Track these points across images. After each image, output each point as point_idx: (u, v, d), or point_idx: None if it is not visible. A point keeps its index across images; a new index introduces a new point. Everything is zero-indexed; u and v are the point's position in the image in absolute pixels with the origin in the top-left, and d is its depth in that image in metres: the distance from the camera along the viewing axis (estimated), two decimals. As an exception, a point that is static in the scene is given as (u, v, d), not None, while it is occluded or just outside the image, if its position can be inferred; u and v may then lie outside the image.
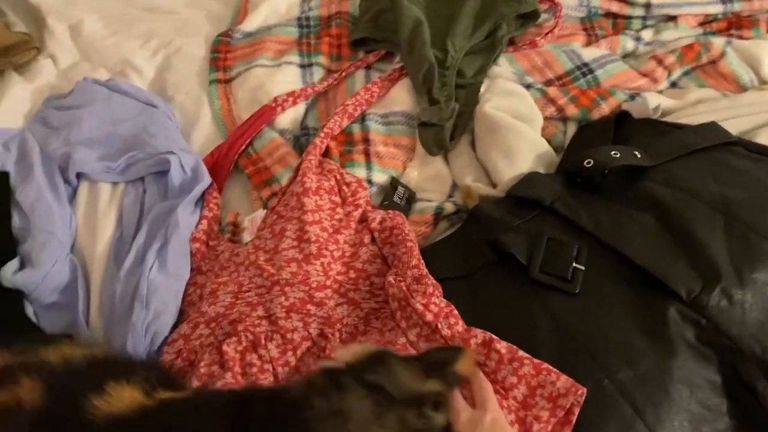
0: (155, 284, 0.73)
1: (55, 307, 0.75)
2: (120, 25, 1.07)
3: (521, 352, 0.61)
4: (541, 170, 0.82)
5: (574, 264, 0.69)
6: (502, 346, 0.62)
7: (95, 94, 0.92)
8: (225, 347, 0.67)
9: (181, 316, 0.74)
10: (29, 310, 0.74)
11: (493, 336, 0.63)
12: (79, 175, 0.85)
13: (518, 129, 0.83)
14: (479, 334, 0.64)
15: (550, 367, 0.61)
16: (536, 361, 0.61)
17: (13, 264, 0.75)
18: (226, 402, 0.53)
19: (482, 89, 0.91)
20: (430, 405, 0.49)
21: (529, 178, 0.79)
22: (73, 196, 0.85)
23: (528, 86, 0.90)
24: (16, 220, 0.80)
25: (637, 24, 1.02)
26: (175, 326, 0.72)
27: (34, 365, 0.55)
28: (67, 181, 0.85)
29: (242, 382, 0.65)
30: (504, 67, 0.93)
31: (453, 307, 0.66)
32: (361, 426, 0.46)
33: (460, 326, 0.65)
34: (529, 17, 0.98)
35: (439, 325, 0.65)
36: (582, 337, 0.65)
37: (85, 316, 0.75)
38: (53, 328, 0.74)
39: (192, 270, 0.76)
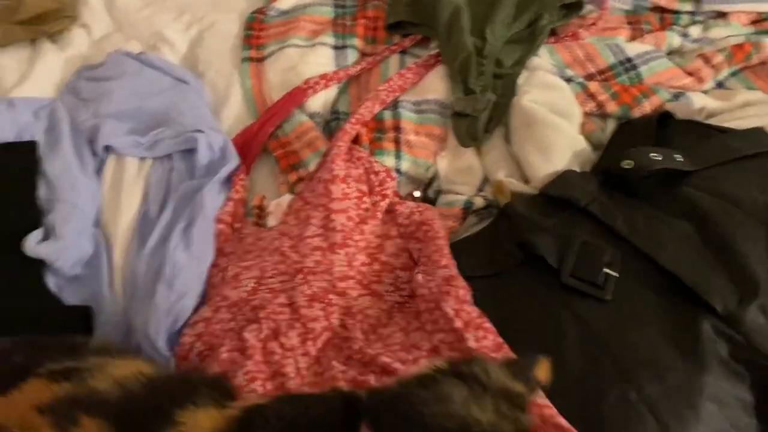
0: (179, 265, 0.72)
1: (77, 280, 0.75)
2: (155, -4, 1.06)
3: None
4: (577, 168, 0.79)
5: (606, 270, 0.67)
6: None
7: (126, 66, 0.91)
8: (246, 334, 0.66)
9: (203, 298, 0.73)
10: (50, 282, 0.74)
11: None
12: (107, 148, 0.85)
13: (555, 124, 0.80)
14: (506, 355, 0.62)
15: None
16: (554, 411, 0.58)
17: (36, 234, 0.75)
18: (331, 403, 0.50)
19: (520, 80, 0.88)
20: (518, 404, 0.49)
21: (564, 177, 0.77)
22: (100, 169, 0.84)
23: (568, 80, 0.87)
24: (42, 191, 0.80)
25: (685, 20, 0.98)
26: (196, 308, 0.72)
27: (88, 399, 0.49)
28: (94, 154, 0.84)
29: (267, 370, 0.64)
30: (544, 59, 0.90)
31: (486, 318, 0.64)
32: (461, 406, 0.46)
33: (490, 341, 0.63)
34: (573, 8, 0.95)
35: (467, 336, 0.63)
36: (610, 347, 0.63)
37: (107, 292, 0.75)
38: (73, 301, 0.74)
39: (214, 251, 0.75)
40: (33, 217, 0.78)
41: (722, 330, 0.63)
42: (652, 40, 0.94)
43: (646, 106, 0.84)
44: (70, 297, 0.74)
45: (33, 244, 0.73)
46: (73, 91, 0.91)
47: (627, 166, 0.73)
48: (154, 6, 1.04)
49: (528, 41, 0.91)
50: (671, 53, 0.94)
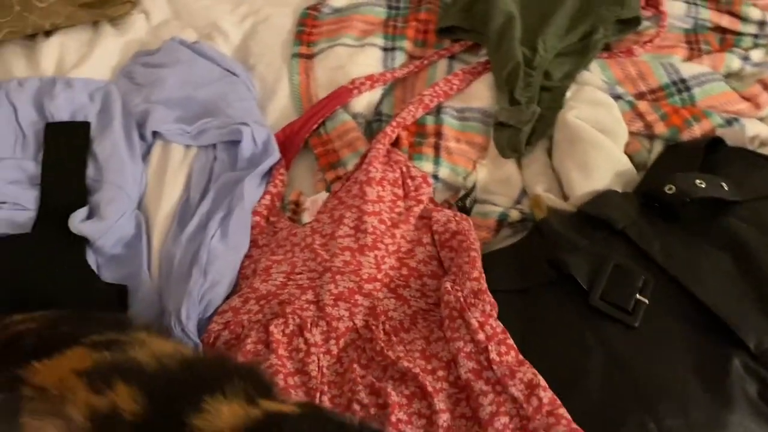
0: (215, 253, 0.74)
1: (117, 259, 0.78)
2: (214, -13, 1.08)
3: (562, 410, 0.59)
4: (618, 189, 0.78)
5: (637, 296, 0.66)
6: (546, 395, 0.60)
7: (180, 55, 0.93)
8: (272, 328, 0.68)
9: (233, 288, 0.75)
10: (91, 259, 0.77)
11: (541, 381, 0.61)
12: (155, 134, 0.87)
13: (599, 142, 0.79)
14: (527, 372, 0.61)
15: None
16: (574, 425, 0.58)
17: (81, 212, 0.77)
18: None
19: (568, 94, 0.87)
20: None
21: (604, 197, 0.75)
22: (146, 154, 0.87)
23: (617, 97, 0.85)
24: (90, 171, 0.83)
25: (747, 42, 0.95)
26: (227, 298, 0.73)
27: (127, 367, 0.50)
28: (142, 138, 0.87)
29: (288, 365, 0.66)
30: (595, 74, 0.89)
31: (508, 334, 0.64)
32: None
33: (512, 356, 0.63)
34: (630, 23, 0.93)
35: (490, 348, 0.63)
36: (634, 374, 0.62)
37: (144, 273, 0.77)
38: (111, 279, 0.76)
39: (249, 243, 0.77)
40: (80, 195, 0.81)
41: (753, 368, 0.61)
42: (709, 61, 0.91)
43: (696, 130, 0.81)
44: (108, 275, 0.77)
45: (77, 222, 0.76)
46: (128, 75, 0.94)
47: (669, 191, 0.72)
48: (213, -3, 1.07)
49: (580, 55, 0.90)
50: (729, 76, 0.91)
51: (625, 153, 0.82)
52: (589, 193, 0.76)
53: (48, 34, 0.99)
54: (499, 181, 0.83)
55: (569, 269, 0.68)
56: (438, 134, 0.84)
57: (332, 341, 0.68)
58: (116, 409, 0.45)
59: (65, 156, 0.83)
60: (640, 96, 0.87)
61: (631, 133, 0.83)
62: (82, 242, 0.77)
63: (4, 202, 0.79)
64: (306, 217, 0.79)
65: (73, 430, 0.44)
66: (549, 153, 0.84)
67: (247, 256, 0.76)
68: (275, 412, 0.47)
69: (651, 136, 0.83)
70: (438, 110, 0.87)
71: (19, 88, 0.88)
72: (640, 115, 0.83)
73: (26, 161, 0.83)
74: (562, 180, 0.80)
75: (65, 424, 0.45)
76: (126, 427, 0.44)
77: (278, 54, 0.97)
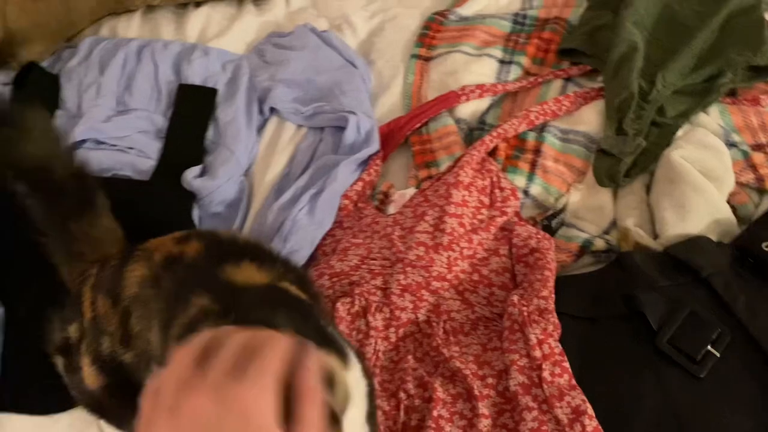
0: (299, 225, 0.79)
1: (218, 217, 0.85)
2: (352, -18, 1.14)
3: None
4: (714, 237, 0.74)
5: (708, 347, 0.64)
6: (591, 424, 0.59)
7: (308, 41, 0.99)
8: (338, 305, 0.71)
9: (311, 261, 0.79)
10: (195, 212, 0.84)
11: (589, 409, 0.60)
12: (272, 110, 0.94)
13: (701, 186, 0.76)
14: (577, 398, 0.61)
15: None
16: None
17: (195, 169, 0.85)
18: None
19: (679, 133, 0.84)
20: None
21: (695, 242, 0.73)
22: (262, 126, 0.93)
23: (732, 145, 0.82)
24: (210, 133, 0.90)
25: None
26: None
27: (205, 232, 0.71)
28: (261, 112, 0.94)
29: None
30: (712, 118, 0.85)
31: (565, 358, 0.64)
32: None
33: (564, 379, 0.63)
34: (761, 71, 0.88)
35: (544, 366, 0.63)
36: (690, 426, 0.60)
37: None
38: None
39: (334, 223, 0.81)
40: (197, 153, 0.88)
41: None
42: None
43: (813, 193, 0.77)
44: (205, 227, 0.84)
45: (190, 177, 0.83)
46: (259, 53, 1.02)
47: (766, 248, 0.68)
48: (350, -8, 1.12)
49: (700, 96, 0.86)
50: None
51: (730, 203, 0.78)
52: (681, 235, 0.74)
53: (197, 5, 1.08)
54: (591, 208, 0.82)
55: (642, 306, 0.67)
56: (537, 151, 0.84)
57: (392, 329, 0.71)
58: (182, 254, 0.61)
59: (191, 116, 0.91)
60: (758, 148, 0.82)
61: (740, 184, 0.79)
62: (191, 197, 0.84)
63: (131, 148, 0.88)
64: (391, 209, 0.82)
65: (151, 266, 0.61)
66: (647, 188, 0.82)
67: (330, 235, 0.80)
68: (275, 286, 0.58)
69: (761, 190, 0.79)
70: (542, 128, 0.87)
71: (163, 50, 0.97)
72: (753, 167, 0.79)
73: (157, 115, 0.92)
74: (655, 217, 0.78)
75: (148, 263, 0.61)
76: (181, 265, 0.60)
77: (399, 53, 1.01)
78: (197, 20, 1.06)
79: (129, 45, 0.97)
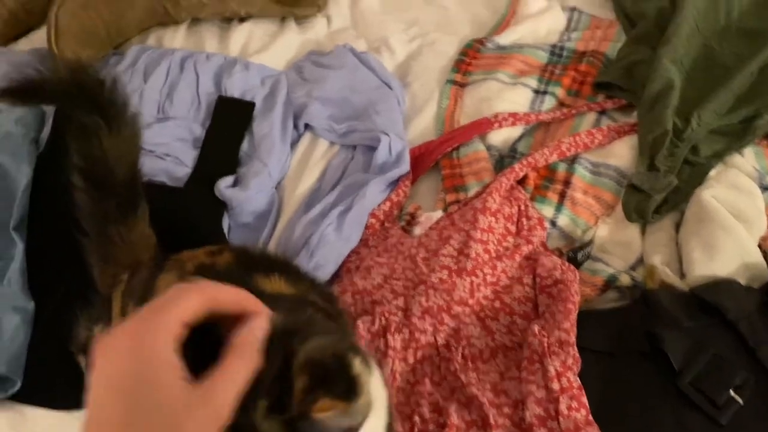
0: (326, 240, 0.80)
1: (247, 227, 0.86)
2: (394, 5, 1.16)
3: None
4: (742, 281, 0.73)
5: (731, 392, 0.62)
6: None
7: (347, 60, 1.01)
8: (359, 322, 0.72)
9: (334, 278, 0.80)
10: (224, 221, 0.85)
11: None
12: (306, 126, 0.96)
13: (731, 227, 0.75)
14: None
15: None
16: None
17: (228, 179, 0.87)
18: None
19: (711, 173, 0.83)
20: None
21: (722, 284, 0.72)
22: (296, 142, 0.95)
23: (765, 188, 0.81)
24: (245, 145, 0.92)
25: None
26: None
27: (237, 246, 0.74)
28: (296, 127, 0.95)
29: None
30: (747, 159, 0.84)
31: (583, 392, 0.64)
32: None
33: (581, 414, 0.62)
34: (800, 115, 0.87)
35: (562, 400, 0.63)
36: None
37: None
38: (237, 243, 0.85)
39: (360, 241, 0.82)
40: (232, 165, 0.90)
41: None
42: None
43: None
44: (235, 239, 0.85)
45: (222, 187, 0.85)
46: (298, 70, 1.04)
47: (797, 295, 0.67)
48: (390, 15, 1.14)
49: (736, 137, 0.86)
50: None
51: (761, 248, 0.77)
52: (708, 276, 0.73)
53: (241, 20, 1.11)
54: (618, 243, 0.82)
55: (665, 346, 0.66)
56: (567, 182, 0.84)
57: (411, 350, 0.71)
58: (214, 264, 0.62)
59: (228, 127, 0.93)
60: (793, 192, 0.81)
61: (773, 229, 0.78)
62: (222, 206, 0.86)
63: (168, 155, 0.90)
64: (417, 231, 0.82)
65: (183, 275, 0.61)
66: (677, 227, 0.81)
67: (355, 252, 0.81)
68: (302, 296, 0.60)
69: (794, 236, 0.78)
70: (573, 160, 0.87)
71: (206, 61, 1.00)
72: (787, 212, 0.78)
73: (195, 124, 0.94)
74: (683, 256, 0.77)
75: (181, 272, 0.62)
76: (212, 272, 0.60)
77: (435, 77, 1.02)
78: (240, 35, 1.08)
79: (173, 55, 1.00)
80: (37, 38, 1.08)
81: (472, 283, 0.73)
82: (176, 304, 0.37)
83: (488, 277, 0.74)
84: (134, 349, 0.36)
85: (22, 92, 0.64)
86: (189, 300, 0.38)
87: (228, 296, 0.40)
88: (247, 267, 0.62)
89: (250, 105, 0.96)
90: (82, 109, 0.64)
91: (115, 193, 0.67)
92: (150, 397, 0.35)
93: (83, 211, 0.68)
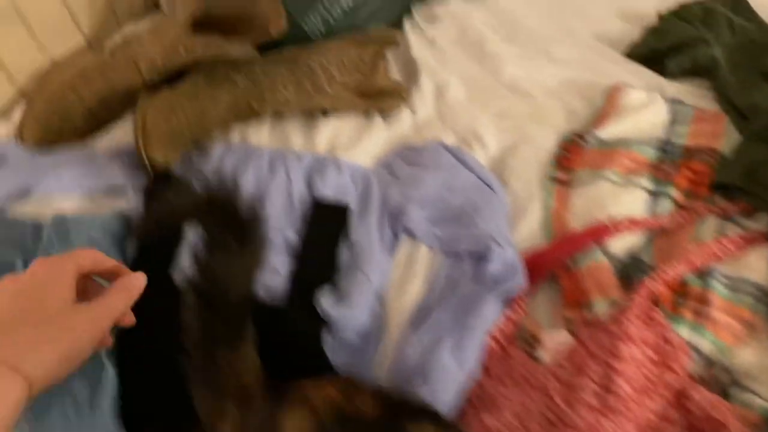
0: (444, 368, 0.73)
1: (350, 347, 0.79)
2: (480, 95, 1.12)
3: None
4: None
5: None
6: None
7: (442, 160, 0.96)
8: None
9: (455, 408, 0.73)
10: (324, 339, 0.79)
11: None
12: (404, 230, 0.90)
13: None
14: None
15: None
16: None
17: (328, 294, 0.81)
18: None
19: None
20: None
21: None
22: (393, 247, 0.89)
23: None
24: (344, 254, 0.86)
25: None
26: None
27: (377, 390, 0.65)
28: (393, 231, 0.90)
29: None
30: None
31: None
32: None
33: None
34: None
35: None
36: None
37: (373, 366, 0.78)
38: (337, 363, 0.77)
39: (479, 366, 0.75)
40: (330, 273, 0.84)
41: None
42: None
43: None
44: (338, 360, 0.78)
45: (326, 305, 0.79)
46: (387, 167, 0.99)
47: None
48: (478, 106, 1.09)
49: None
50: None
51: None
52: None
53: (324, 113, 1.08)
54: (766, 369, 0.74)
55: None
56: (703, 300, 0.77)
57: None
58: (358, 411, 0.59)
59: (324, 233, 0.88)
60: None
61: None
62: (322, 323, 0.79)
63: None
64: (544, 356, 0.75)
65: (314, 415, 0.58)
66: (835, 352, 0.73)
67: (476, 382, 0.74)
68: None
69: None
70: (705, 273, 0.80)
71: (297, 162, 0.96)
72: None
73: (288, 230, 0.89)
74: None
75: (312, 413, 0.59)
76: (363, 422, 0.58)
77: (534, 174, 0.97)
78: (326, 130, 1.05)
79: (261, 156, 0.96)
80: (118, 136, 1.04)
81: (617, 422, 0.65)
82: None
83: (635, 413, 0.66)
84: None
85: (164, 223, 0.66)
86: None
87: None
88: (396, 414, 0.57)
89: (346, 210, 0.91)
90: (216, 226, 0.62)
91: (227, 315, 0.63)
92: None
93: (190, 333, 0.63)
